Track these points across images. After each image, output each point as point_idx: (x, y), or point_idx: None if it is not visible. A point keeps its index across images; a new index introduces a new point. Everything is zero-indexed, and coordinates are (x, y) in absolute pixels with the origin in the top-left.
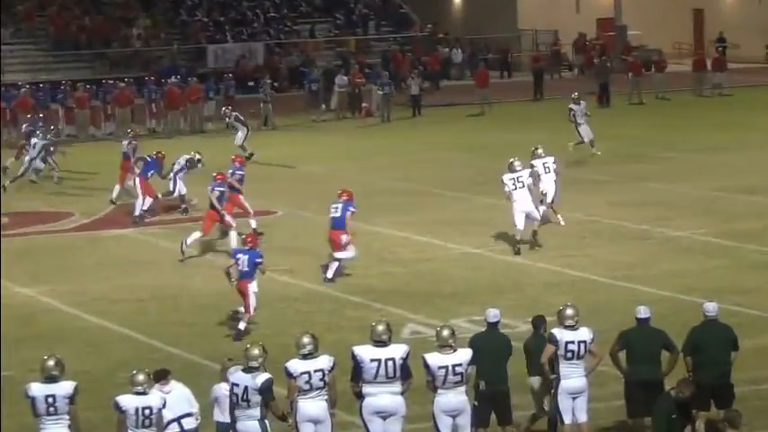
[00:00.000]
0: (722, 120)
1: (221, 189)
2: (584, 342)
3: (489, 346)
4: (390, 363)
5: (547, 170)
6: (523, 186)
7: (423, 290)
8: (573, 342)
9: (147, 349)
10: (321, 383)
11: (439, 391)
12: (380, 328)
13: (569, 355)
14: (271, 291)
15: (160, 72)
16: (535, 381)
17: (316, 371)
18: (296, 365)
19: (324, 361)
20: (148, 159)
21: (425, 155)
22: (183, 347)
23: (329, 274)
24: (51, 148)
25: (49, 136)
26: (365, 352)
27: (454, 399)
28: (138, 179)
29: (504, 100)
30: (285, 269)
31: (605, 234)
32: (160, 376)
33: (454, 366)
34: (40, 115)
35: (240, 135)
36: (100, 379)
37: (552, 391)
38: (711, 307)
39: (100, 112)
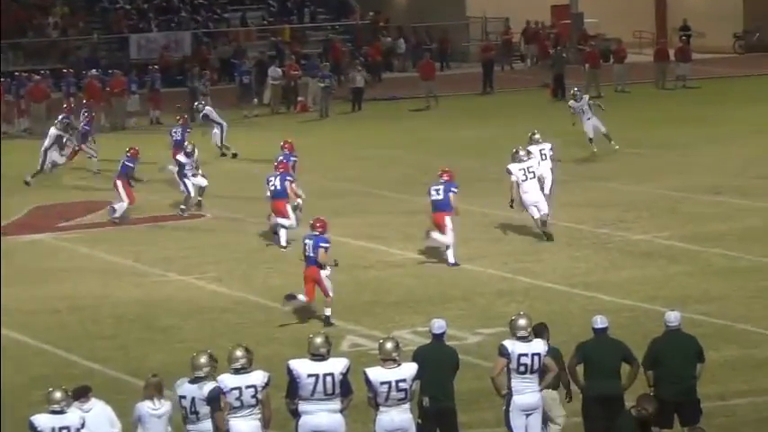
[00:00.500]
0: (686, 114)
1: (290, 179)
2: (539, 354)
3: (435, 360)
4: (329, 378)
5: (544, 157)
6: (534, 177)
7: (363, 299)
8: (526, 355)
9: (65, 364)
10: (253, 401)
11: (381, 408)
12: (318, 340)
13: (522, 368)
14: (198, 300)
15: (79, 64)
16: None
17: (247, 387)
18: (226, 381)
19: (257, 377)
20: (125, 160)
21: (366, 152)
22: (104, 362)
23: (451, 260)
24: (67, 139)
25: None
26: (302, 366)
27: (397, 417)
28: (118, 181)
29: (451, 93)
30: (212, 276)
31: (561, 238)
32: (80, 393)
33: (398, 382)
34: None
35: (217, 132)
36: (14, 397)
37: (503, 407)
38: (674, 316)
39: (13, 108)
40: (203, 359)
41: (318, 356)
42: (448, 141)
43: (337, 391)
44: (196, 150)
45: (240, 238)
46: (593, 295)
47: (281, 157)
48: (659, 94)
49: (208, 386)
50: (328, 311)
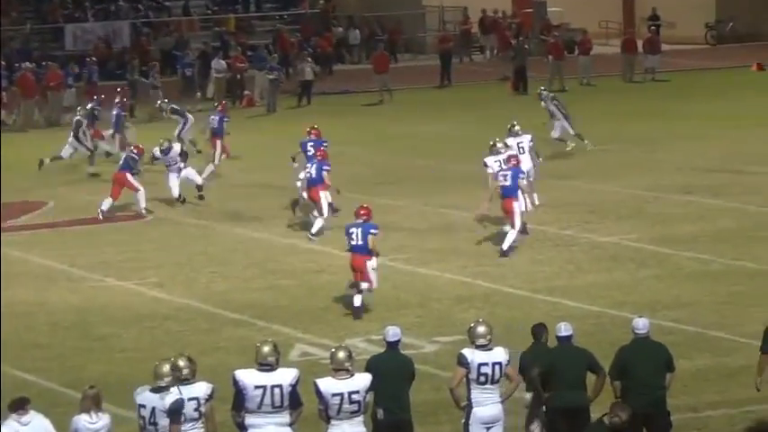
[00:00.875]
0: (655, 108)
1: (328, 168)
2: (500, 364)
3: (389, 370)
4: (277, 390)
5: (522, 150)
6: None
7: (314, 305)
8: (486, 364)
9: None
10: (196, 414)
11: (332, 421)
12: (266, 349)
13: (482, 378)
14: (138, 307)
15: (11, 56)
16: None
17: (190, 399)
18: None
19: (200, 388)
20: (132, 154)
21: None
22: (38, 373)
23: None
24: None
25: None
26: (248, 377)
27: (350, 430)
28: (126, 175)
29: (406, 86)
30: (153, 281)
31: (524, 240)
32: (17, 405)
33: (351, 393)
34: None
35: (180, 128)
36: None
37: (462, 420)
38: (642, 323)
39: None
40: (165, 367)
41: (266, 366)
42: (403, 137)
43: (286, 403)
44: (174, 146)
45: (183, 241)
46: (557, 301)
47: (309, 144)
48: (627, 87)
49: (170, 397)
50: (358, 302)
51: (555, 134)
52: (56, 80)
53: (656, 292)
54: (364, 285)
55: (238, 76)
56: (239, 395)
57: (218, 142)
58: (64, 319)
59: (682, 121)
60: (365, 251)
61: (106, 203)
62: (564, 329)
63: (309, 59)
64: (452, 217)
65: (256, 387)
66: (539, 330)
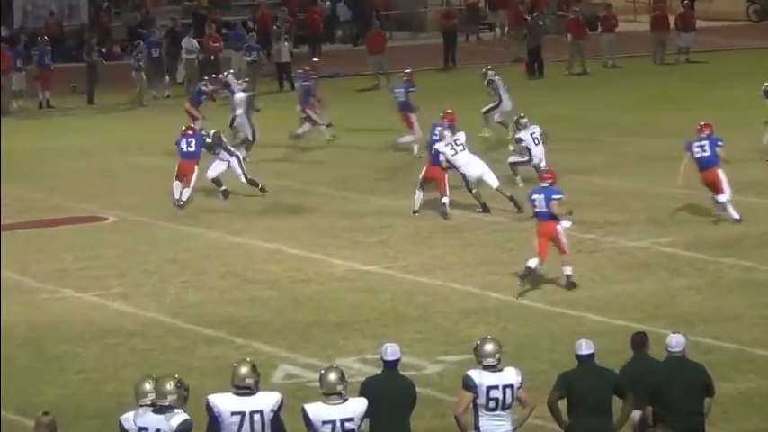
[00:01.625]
0: (689, 94)
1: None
2: (511, 387)
3: (387, 393)
4: (257, 416)
5: (537, 141)
6: (464, 149)
7: (300, 320)
8: (496, 387)
9: None
10: None
11: None
12: (243, 370)
13: (492, 404)
14: (99, 321)
15: None
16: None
17: (253, 412)
18: (132, 420)
19: (267, 399)
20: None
21: (301, 142)
22: None
23: (735, 216)
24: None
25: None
26: (224, 402)
27: None
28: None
29: (405, 69)
30: (117, 292)
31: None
32: None
33: (344, 421)
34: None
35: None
36: None
37: None
38: (677, 340)
39: None
40: (170, 384)
41: (244, 390)
42: (402, 127)
43: (268, 431)
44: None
45: (150, 245)
46: (579, 315)
47: (441, 128)
48: (657, 70)
49: (177, 418)
50: (569, 270)
51: (497, 117)
52: (2, 63)
53: (693, 305)
54: (568, 270)
55: (212, 58)
56: (213, 423)
57: (413, 116)
58: (14, 335)
59: (720, 110)
60: (550, 217)
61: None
62: (586, 347)
63: (286, 37)
64: (458, 217)
65: (233, 413)
66: (641, 340)
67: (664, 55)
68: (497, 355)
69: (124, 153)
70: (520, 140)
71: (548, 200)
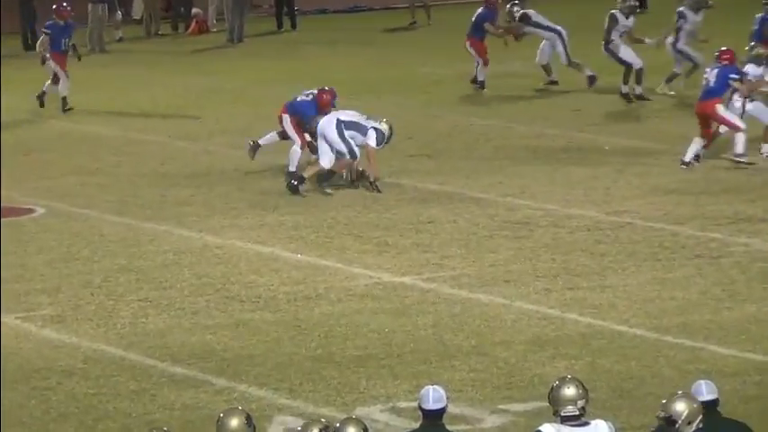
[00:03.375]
0: None
1: (738, 76)
2: None
3: None
4: None
5: None
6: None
7: (305, 353)
8: None
9: None
10: None
11: None
12: (234, 423)
13: None
14: (24, 355)
15: None
16: None
17: None
18: None
19: None
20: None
21: None
22: None
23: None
24: None
25: None
26: None
27: None
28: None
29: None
30: (47, 315)
31: (641, 247)
32: None
33: None
34: None
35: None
36: None
37: None
38: None
39: None
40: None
41: None
42: (447, 81)
43: None
44: None
45: (93, 249)
46: (696, 345)
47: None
48: None
49: None
50: (694, 152)
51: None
52: None
53: None
54: (693, 150)
55: None
56: None
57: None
58: None
59: None
60: (716, 94)
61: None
62: (705, 391)
63: None
64: (524, 208)
65: None
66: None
67: None
68: (581, 403)
69: (60, 118)
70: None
71: (723, 77)
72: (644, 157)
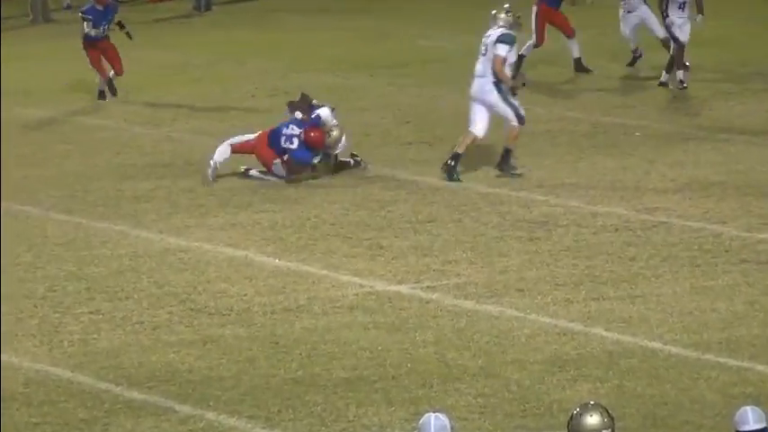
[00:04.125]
0: None
1: None
2: None
3: None
4: None
5: None
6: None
7: (284, 375)
8: None
9: None
10: None
11: None
12: None
13: None
14: None
15: None
16: None
17: None
18: None
19: None
20: None
21: (291, 81)
22: None
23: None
24: None
25: None
26: None
27: None
28: None
29: None
30: None
31: (678, 250)
32: None
33: None
34: None
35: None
36: None
37: None
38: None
39: None
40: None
41: None
42: (454, 57)
43: None
44: None
45: (36, 252)
46: (743, 365)
47: None
48: None
49: None
50: None
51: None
52: None
53: None
54: None
55: None
56: None
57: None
58: None
59: None
60: None
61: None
62: (752, 420)
63: None
64: (541, 205)
65: None
66: None
67: None
68: None
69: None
70: None
71: None
72: (680, 144)
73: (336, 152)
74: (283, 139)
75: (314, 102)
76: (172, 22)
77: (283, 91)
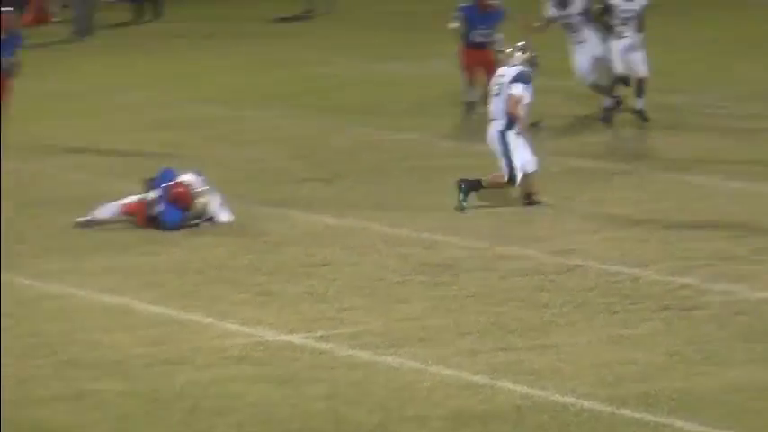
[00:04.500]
0: None
1: None
2: None
3: None
4: None
5: None
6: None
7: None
8: None
9: None
10: None
11: None
12: None
13: None
14: None
15: None
16: None
17: None
18: None
19: None
20: None
21: (174, 113)
22: None
23: None
24: None
25: None
26: None
27: None
28: None
29: None
30: None
31: (593, 296)
32: None
33: None
34: None
35: None
36: None
37: None
38: None
39: None
40: None
41: None
42: (354, 86)
43: None
44: None
45: None
46: (661, 421)
47: None
48: None
49: None
50: None
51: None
52: None
53: None
54: None
55: None
56: None
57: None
58: None
59: None
60: None
61: None
62: None
63: None
64: (446, 247)
65: None
66: None
67: None
68: None
69: None
70: None
71: None
72: (601, 180)
73: (209, 218)
74: (149, 207)
75: (174, 170)
76: (50, 48)
77: (167, 123)
